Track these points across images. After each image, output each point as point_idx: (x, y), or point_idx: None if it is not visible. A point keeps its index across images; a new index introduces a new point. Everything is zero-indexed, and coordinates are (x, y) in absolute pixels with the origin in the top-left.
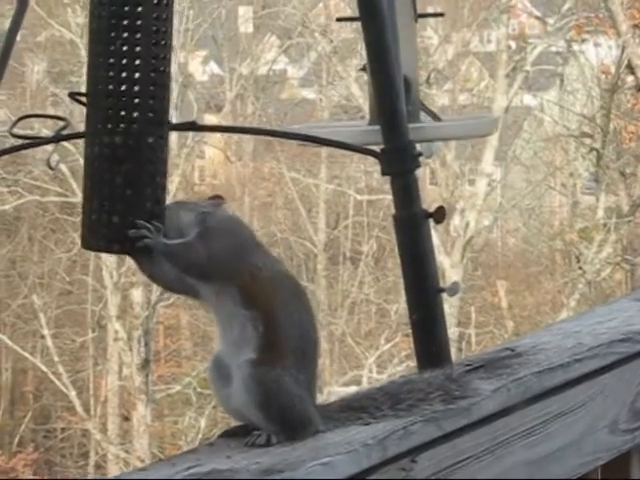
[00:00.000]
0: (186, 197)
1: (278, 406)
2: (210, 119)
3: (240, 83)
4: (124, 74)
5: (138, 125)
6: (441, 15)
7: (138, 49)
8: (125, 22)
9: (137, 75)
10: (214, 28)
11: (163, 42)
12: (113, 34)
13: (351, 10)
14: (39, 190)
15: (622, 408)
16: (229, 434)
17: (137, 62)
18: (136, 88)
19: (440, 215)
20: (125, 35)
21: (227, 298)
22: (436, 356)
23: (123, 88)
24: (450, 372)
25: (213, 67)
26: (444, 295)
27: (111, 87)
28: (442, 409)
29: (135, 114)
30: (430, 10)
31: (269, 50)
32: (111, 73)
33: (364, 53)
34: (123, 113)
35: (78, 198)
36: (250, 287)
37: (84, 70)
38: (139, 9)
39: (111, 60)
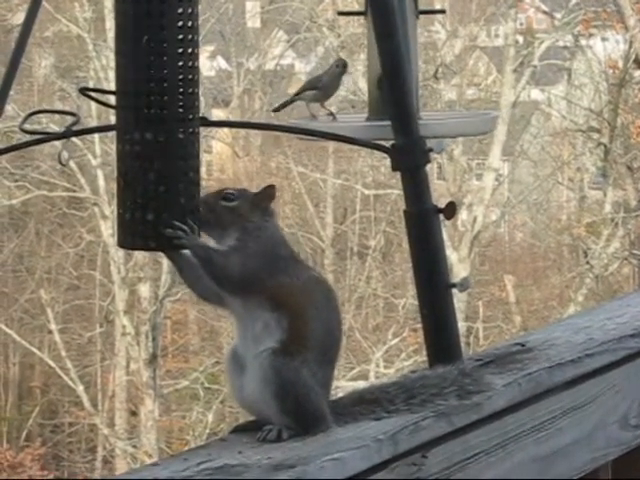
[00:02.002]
0: (236, 187)
1: (293, 397)
2: (218, 114)
3: (248, 78)
4: (152, 71)
5: (168, 121)
6: (442, 12)
7: (165, 45)
8: (151, 18)
9: (165, 71)
10: (221, 23)
11: (190, 37)
12: (139, 31)
13: (358, 5)
14: (47, 185)
15: (632, 403)
16: (240, 429)
17: (164, 58)
18: (165, 84)
19: (450, 210)
20: (152, 32)
21: (254, 305)
22: (447, 351)
23: (152, 85)
24: (463, 367)
25: (220, 62)
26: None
27: (139, 84)
28: (456, 404)
29: (165, 110)
30: (438, 5)
31: (276, 45)
32: (139, 70)
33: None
34: (153, 110)
35: (86, 193)
36: (278, 296)
37: (91, 65)
38: (164, 5)
39: (138, 57)
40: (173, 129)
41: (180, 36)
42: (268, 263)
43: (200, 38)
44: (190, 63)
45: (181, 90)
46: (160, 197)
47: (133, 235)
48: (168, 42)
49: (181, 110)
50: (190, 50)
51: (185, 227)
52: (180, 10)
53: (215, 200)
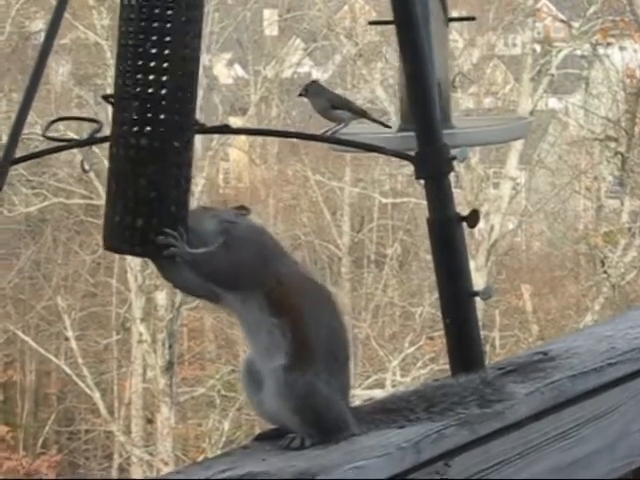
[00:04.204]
0: (210, 203)
1: (312, 409)
2: (235, 122)
3: (265, 86)
4: (151, 76)
5: (164, 128)
6: (473, 19)
7: (167, 52)
8: (154, 25)
9: (164, 78)
10: (239, 31)
11: (192, 46)
12: (142, 36)
13: (377, 13)
14: (64, 192)
15: None
16: (264, 437)
17: (165, 65)
18: (163, 91)
19: (474, 219)
20: (154, 38)
21: (253, 305)
22: (469, 359)
23: (150, 90)
24: (485, 376)
25: (238, 70)
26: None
27: (138, 89)
28: (477, 413)
29: (162, 117)
30: (455, 14)
31: (294, 53)
32: (139, 75)
33: (389, 56)
34: (149, 115)
35: (103, 200)
36: (276, 294)
37: (109, 72)
38: (169, 12)
39: (139, 62)
40: (169, 136)
41: (183, 44)
42: (260, 257)
43: (217, 45)
44: (189, 76)
45: (179, 97)
46: (151, 203)
47: (121, 239)
48: (170, 49)
49: (177, 117)
50: (192, 59)
51: (176, 234)
52: (184, 18)
53: (199, 214)
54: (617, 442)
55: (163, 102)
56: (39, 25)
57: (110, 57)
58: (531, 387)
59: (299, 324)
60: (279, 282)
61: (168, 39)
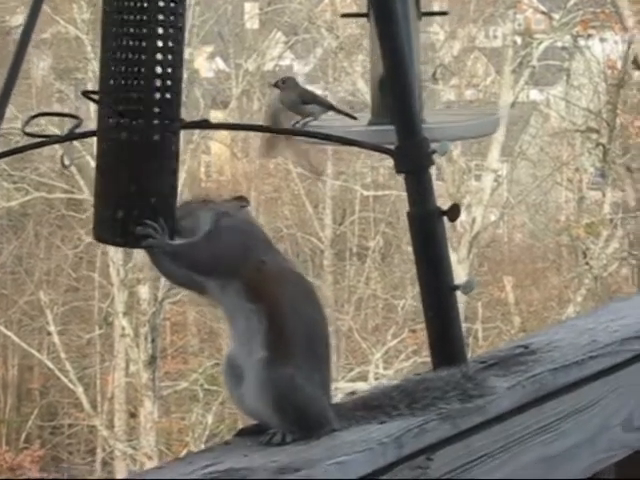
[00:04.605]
0: (207, 194)
1: (293, 406)
2: (216, 115)
3: (246, 79)
4: (130, 69)
5: (144, 121)
6: (445, 14)
7: (146, 44)
8: (135, 17)
9: (145, 71)
10: (220, 24)
11: (174, 38)
12: (123, 29)
13: (357, 6)
14: (46, 187)
15: (636, 405)
16: (245, 433)
17: (145, 57)
18: (141, 84)
19: (454, 213)
20: (132, 30)
21: (232, 292)
22: (451, 354)
23: (131, 83)
24: (466, 370)
25: (219, 63)
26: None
27: (118, 82)
28: (459, 407)
29: (141, 110)
30: (436, 7)
31: (275, 46)
32: (118, 68)
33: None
34: (130, 108)
35: (85, 195)
36: (255, 281)
37: (90, 67)
38: (146, 4)
39: (118, 55)
40: (149, 130)
41: (159, 42)
42: (241, 246)
43: (198, 39)
44: (169, 69)
45: (157, 95)
46: (130, 196)
47: (105, 230)
48: (146, 47)
49: (158, 111)
50: (170, 56)
51: (156, 225)
52: (164, 10)
53: (188, 205)
54: (598, 436)
55: (141, 95)
56: (19, 20)
57: (91, 51)
58: (512, 381)
59: (277, 312)
60: (259, 270)
61: (147, 31)
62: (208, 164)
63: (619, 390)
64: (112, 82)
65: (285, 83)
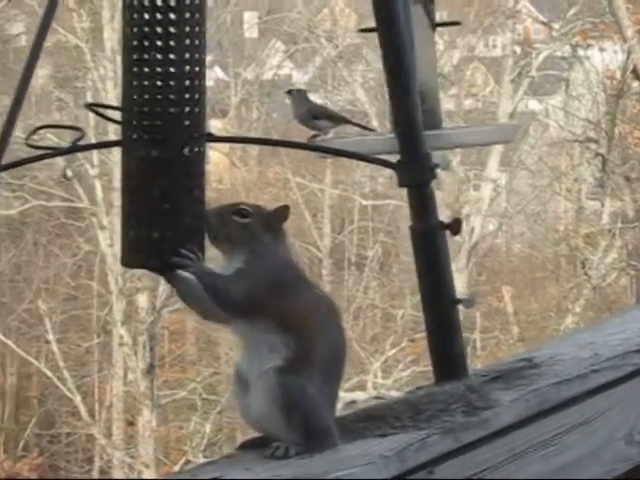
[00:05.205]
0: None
1: (300, 413)
2: (215, 124)
3: (245, 88)
4: (157, 89)
5: (173, 139)
6: (458, 24)
7: (172, 57)
8: (158, 31)
9: (171, 89)
10: (219, 33)
11: (197, 56)
12: (146, 44)
13: (356, 15)
14: (44, 195)
15: (637, 419)
16: (247, 445)
17: (170, 76)
18: (170, 102)
19: (456, 227)
20: (159, 43)
21: (259, 329)
22: (453, 367)
23: (157, 102)
24: (470, 383)
25: (218, 72)
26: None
27: (145, 102)
28: (462, 421)
29: (170, 127)
30: (436, 16)
31: (274, 55)
32: (143, 82)
33: (369, 58)
34: (158, 127)
35: (83, 203)
36: (284, 321)
37: (89, 75)
38: (173, 15)
39: (143, 69)
40: (178, 147)
41: (187, 55)
42: (274, 288)
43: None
44: (196, 82)
45: (188, 108)
46: (165, 215)
47: (138, 253)
48: (174, 60)
49: (187, 128)
50: (197, 69)
51: (191, 255)
52: (187, 29)
53: (228, 214)
54: (602, 449)
55: (170, 114)
56: (19, 28)
57: (90, 60)
58: (515, 394)
59: (304, 338)
60: (289, 308)
61: (175, 43)
62: (207, 173)
63: (622, 404)
64: (136, 97)
65: (294, 95)
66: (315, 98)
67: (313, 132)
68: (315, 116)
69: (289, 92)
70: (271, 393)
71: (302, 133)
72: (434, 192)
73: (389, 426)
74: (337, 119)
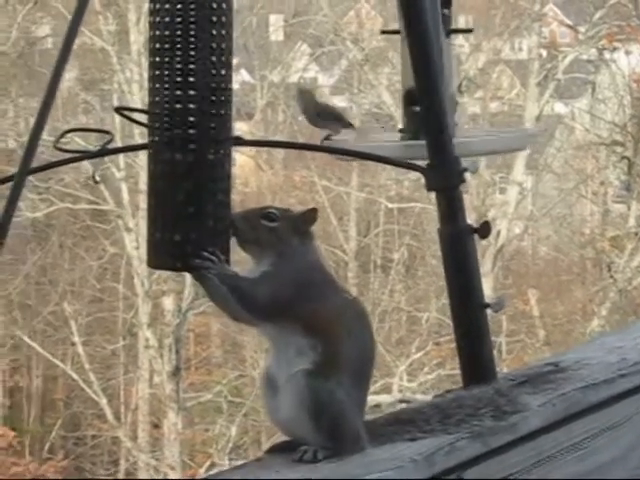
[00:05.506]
0: (276, 206)
1: (329, 417)
2: (241, 127)
3: (271, 91)
4: (183, 92)
5: (198, 142)
6: (470, 31)
7: (195, 66)
8: (182, 38)
9: (196, 93)
10: (245, 36)
11: (223, 58)
12: (170, 51)
13: (382, 18)
14: (70, 197)
15: None
16: (276, 449)
17: (195, 80)
18: (195, 106)
19: (485, 230)
20: (184, 45)
21: (287, 332)
22: (481, 371)
23: (182, 106)
24: (499, 387)
25: (244, 75)
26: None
27: (170, 105)
28: (490, 425)
29: (195, 131)
30: (461, 19)
31: (300, 58)
32: (170, 91)
33: (395, 61)
34: (183, 131)
35: (109, 206)
36: (311, 324)
37: (115, 78)
38: (196, 27)
39: (169, 77)
40: (203, 150)
41: (213, 58)
42: (301, 291)
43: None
44: (222, 85)
45: (212, 112)
46: (189, 218)
47: (162, 255)
48: (200, 64)
49: (212, 131)
50: (223, 72)
51: (213, 257)
52: (213, 32)
53: (256, 217)
54: (630, 453)
55: (195, 118)
56: (45, 30)
57: (116, 62)
58: (543, 399)
59: (332, 341)
60: (316, 311)
61: (201, 45)
62: (233, 176)
63: None
64: (162, 100)
65: (302, 95)
66: (340, 101)
67: (324, 132)
68: (323, 117)
69: (298, 91)
70: (299, 396)
71: None
72: (462, 196)
73: (418, 430)
74: (344, 122)
